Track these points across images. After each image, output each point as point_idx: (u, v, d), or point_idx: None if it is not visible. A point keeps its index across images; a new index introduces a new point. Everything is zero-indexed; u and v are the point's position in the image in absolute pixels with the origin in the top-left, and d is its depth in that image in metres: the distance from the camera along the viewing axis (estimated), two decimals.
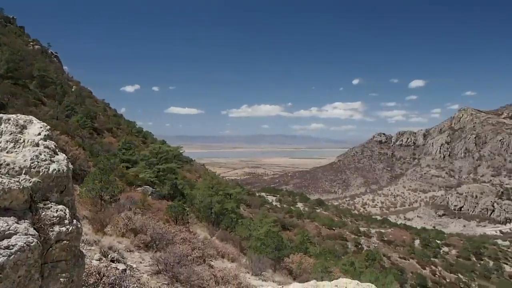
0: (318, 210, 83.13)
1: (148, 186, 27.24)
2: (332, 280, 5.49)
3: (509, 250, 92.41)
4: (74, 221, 4.70)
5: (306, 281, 5.32)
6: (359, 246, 58.49)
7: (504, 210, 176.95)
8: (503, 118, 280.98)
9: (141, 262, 10.72)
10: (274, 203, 76.43)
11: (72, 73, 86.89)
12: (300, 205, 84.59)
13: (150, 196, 24.29)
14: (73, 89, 57.34)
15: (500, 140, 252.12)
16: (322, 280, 5.63)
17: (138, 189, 25.39)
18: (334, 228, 64.22)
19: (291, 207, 76.09)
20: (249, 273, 14.34)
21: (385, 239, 68.12)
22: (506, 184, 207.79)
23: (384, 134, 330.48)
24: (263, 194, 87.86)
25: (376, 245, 60.97)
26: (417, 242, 70.96)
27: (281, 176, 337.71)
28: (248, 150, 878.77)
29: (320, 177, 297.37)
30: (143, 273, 9.84)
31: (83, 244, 9.32)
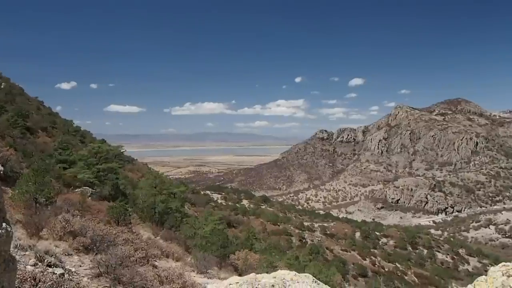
0: (263, 207, 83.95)
1: (88, 187, 26.15)
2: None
3: (440, 239, 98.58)
4: (4, 224, 4.43)
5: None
6: (303, 241, 59.76)
7: (437, 201, 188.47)
8: (435, 115, 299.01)
9: (80, 266, 10.30)
10: (219, 201, 76.26)
11: (1, 69, 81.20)
12: (245, 202, 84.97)
13: (89, 197, 23.36)
14: (2, 86, 53.78)
15: (432, 136, 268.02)
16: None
17: (76, 190, 24.31)
18: (279, 224, 65.12)
19: (236, 204, 76.32)
20: (194, 271, 14.24)
21: (328, 232, 70.05)
22: (438, 177, 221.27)
23: (326, 131, 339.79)
24: (208, 192, 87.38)
25: (319, 239, 62.62)
26: (358, 234, 73.58)
27: (226, 173, 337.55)
28: (193, 148, 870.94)
29: (264, 174, 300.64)
30: (83, 276, 9.47)
31: (16, 250, 8.80)
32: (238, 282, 5.07)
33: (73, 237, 11.78)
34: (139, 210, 26.39)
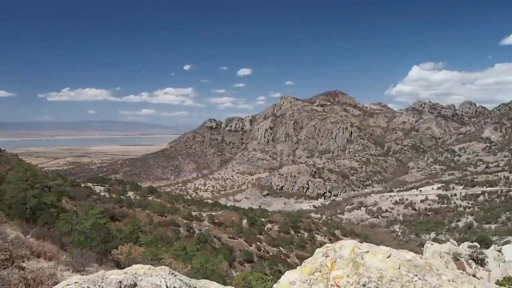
0: (150, 198, 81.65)
1: None
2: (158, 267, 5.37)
3: (319, 222, 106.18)
4: None
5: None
6: (191, 230, 59.56)
7: (316, 187, 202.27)
8: (316, 106, 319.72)
9: None
10: (102, 194, 72.19)
11: None
12: (131, 193, 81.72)
13: None
14: None
15: (313, 126, 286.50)
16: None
17: None
18: (166, 215, 63.94)
19: (121, 196, 73.00)
20: (70, 270, 13.19)
21: (216, 221, 70.72)
22: (318, 164, 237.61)
23: (214, 120, 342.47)
24: (89, 184, 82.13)
25: (207, 228, 62.97)
26: (244, 221, 75.53)
27: (110, 164, 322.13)
28: (72, 137, 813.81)
29: (152, 164, 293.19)
30: None
31: None
32: (77, 282, 4.66)
33: None
34: (6, 206, 23.66)
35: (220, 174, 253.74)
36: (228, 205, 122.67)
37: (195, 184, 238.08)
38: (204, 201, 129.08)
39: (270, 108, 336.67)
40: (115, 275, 4.79)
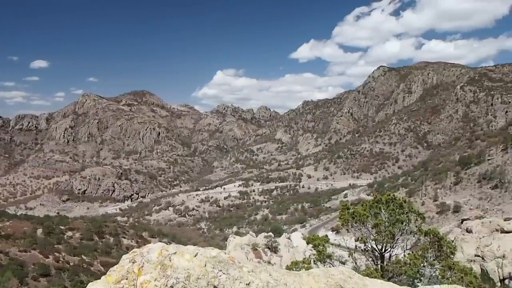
0: None
1: None
2: None
3: (126, 225, 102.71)
4: None
5: None
6: None
7: (123, 189, 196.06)
8: (122, 105, 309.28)
9: None
10: None
11: None
12: None
13: None
14: None
15: (119, 125, 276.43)
16: None
17: None
18: None
19: None
20: None
21: (3, 233, 61.67)
22: (125, 166, 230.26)
23: (1, 117, 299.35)
24: None
25: None
26: (39, 231, 67.95)
27: None
28: None
29: None
30: None
31: None
32: None
33: None
34: None
35: (8, 179, 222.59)
36: (19, 214, 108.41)
37: None
38: None
39: (71, 106, 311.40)
40: None
